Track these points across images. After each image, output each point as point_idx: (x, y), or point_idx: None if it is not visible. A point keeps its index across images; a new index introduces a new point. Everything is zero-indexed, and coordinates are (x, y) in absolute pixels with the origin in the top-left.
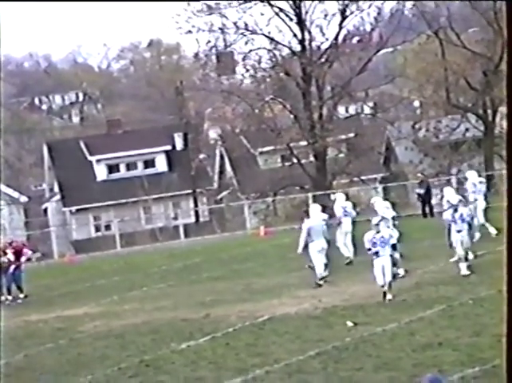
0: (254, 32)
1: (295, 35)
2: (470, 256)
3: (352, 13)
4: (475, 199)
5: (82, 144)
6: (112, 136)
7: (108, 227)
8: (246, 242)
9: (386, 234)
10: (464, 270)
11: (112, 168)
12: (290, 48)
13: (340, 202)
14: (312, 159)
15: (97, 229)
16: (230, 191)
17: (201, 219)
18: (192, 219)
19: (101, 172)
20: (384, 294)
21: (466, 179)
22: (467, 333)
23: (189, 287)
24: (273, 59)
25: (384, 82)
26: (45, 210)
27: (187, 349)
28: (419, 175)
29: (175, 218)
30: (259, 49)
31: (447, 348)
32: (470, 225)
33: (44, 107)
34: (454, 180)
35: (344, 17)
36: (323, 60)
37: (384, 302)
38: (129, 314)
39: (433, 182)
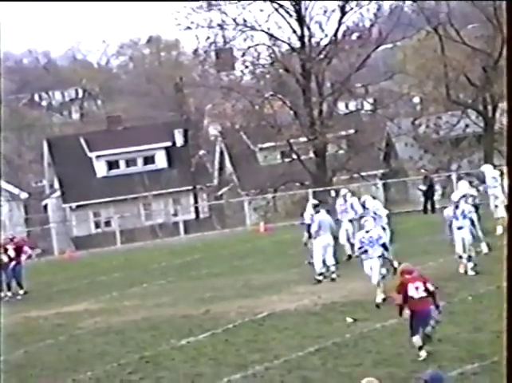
0: (253, 28)
1: (294, 31)
2: (473, 253)
3: (351, 9)
4: (495, 196)
5: (82, 141)
6: (111, 133)
7: (108, 224)
8: (246, 238)
9: (374, 234)
10: (469, 271)
11: (112, 165)
12: (290, 44)
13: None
14: (312, 155)
15: (97, 225)
16: (230, 188)
17: (201, 216)
18: (192, 216)
19: (101, 169)
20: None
21: (481, 173)
22: (467, 329)
23: (189, 283)
24: (273, 55)
25: (384, 78)
26: (45, 206)
27: (187, 346)
28: (423, 170)
29: (175, 214)
30: (258, 45)
31: (446, 344)
32: (472, 221)
33: (43, 103)
34: (454, 176)
35: (343, 14)
36: (322, 56)
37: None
38: (129, 311)
39: (433, 178)
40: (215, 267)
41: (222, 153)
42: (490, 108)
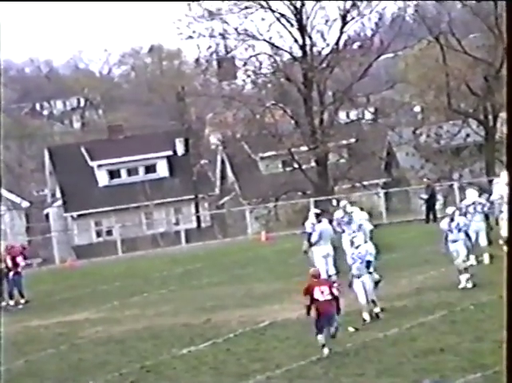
0: (254, 37)
1: (296, 40)
2: (470, 263)
3: (353, 18)
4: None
5: (83, 150)
6: (113, 142)
7: (109, 233)
8: (248, 247)
9: (363, 250)
10: (463, 283)
11: (114, 174)
12: (291, 53)
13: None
14: (313, 164)
15: (99, 234)
16: (231, 197)
17: (202, 225)
18: (194, 225)
19: (103, 178)
20: (371, 311)
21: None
22: (469, 338)
23: (190, 292)
24: (274, 64)
25: (385, 88)
26: (47, 215)
27: (188, 355)
28: (425, 180)
29: (177, 223)
30: (260, 54)
31: (448, 353)
32: (467, 235)
33: (45, 112)
34: (456, 186)
35: (345, 23)
36: (324, 65)
37: (380, 313)
38: (130, 320)
39: (435, 187)
40: (217, 276)
41: (223, 162)
42: (491, 117)
